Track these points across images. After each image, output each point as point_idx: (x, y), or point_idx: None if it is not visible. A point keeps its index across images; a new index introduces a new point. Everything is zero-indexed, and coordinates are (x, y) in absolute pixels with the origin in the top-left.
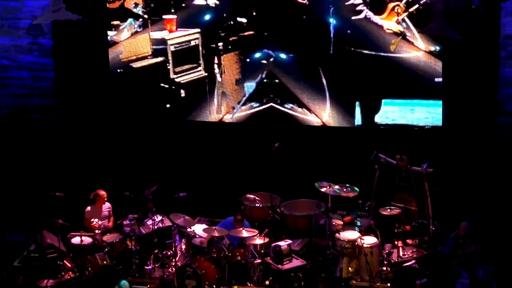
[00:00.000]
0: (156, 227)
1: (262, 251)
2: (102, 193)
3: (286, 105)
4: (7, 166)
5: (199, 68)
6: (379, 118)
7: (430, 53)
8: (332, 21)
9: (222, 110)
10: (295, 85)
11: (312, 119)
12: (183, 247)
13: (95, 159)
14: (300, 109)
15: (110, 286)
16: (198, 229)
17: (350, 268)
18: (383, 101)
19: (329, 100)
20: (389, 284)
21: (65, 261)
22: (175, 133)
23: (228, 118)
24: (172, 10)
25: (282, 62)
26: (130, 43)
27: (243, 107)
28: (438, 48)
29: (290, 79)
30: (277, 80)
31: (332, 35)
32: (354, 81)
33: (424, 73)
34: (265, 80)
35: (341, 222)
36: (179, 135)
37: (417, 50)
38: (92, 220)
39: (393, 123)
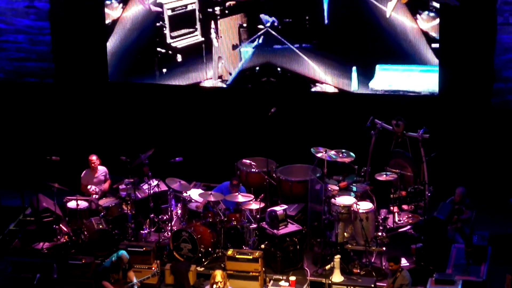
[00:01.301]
0: (152, 191)
1: (258, 216)
2: (93, 158)
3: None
4: (3, 130)
5: (196, 33)
6: (376, 84)
7: (426, 35)
8: None
9: (219, 75)
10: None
11: (329, 89)
12: (179, 211)
13: (91, 123)
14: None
15: (105, 250)
16: (194, 193)
17: (345, 234)
18: (379, 66)
19: (324, 66)
20: (384, 248)
21: (61, 225)
22: (171, 97)
23: (224, 83)
24: None
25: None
26: None
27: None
28: (436, 36)
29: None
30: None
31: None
32: (350, 47)
33: (421, 39)
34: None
35: (337, 188)
36: (175, 100)
37: (413, 21)
38: (90, 186)
39: (390, 89)
